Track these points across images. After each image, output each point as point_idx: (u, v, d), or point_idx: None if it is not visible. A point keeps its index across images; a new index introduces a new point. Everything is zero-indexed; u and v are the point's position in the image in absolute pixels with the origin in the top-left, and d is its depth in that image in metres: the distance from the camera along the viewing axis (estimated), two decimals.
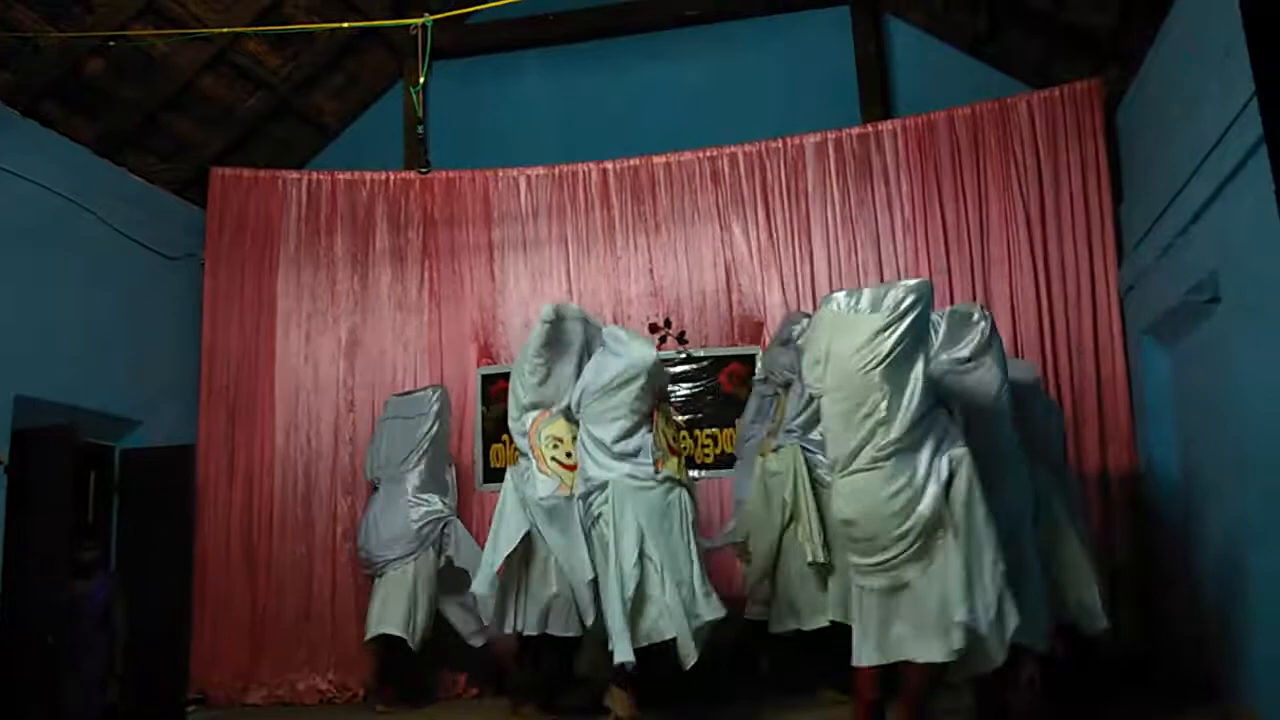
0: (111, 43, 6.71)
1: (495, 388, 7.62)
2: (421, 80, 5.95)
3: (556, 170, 8.02)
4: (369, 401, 7.78)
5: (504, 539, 5.73)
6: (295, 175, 8.19)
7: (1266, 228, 4.28)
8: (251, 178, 8.09)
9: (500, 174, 8.08)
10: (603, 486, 5.49)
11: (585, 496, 5.59)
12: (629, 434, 5.56)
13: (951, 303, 7.07)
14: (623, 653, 5.14)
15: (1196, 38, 5.35)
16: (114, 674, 6.32)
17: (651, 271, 7.79)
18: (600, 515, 5.49)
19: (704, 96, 8.25)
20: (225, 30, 7.01)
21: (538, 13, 8.06)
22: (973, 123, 7.33)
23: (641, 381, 5.54)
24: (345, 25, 6.90)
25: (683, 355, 7.50)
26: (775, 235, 7.60)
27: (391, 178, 8.15)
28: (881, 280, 7.31)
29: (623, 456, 5.53)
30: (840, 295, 4.42)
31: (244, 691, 7.30)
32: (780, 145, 7.67)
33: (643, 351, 5.63)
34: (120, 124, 7.52)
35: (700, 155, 7.82)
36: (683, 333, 7.57)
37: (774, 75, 8.19)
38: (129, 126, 7.60)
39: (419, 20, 5.97)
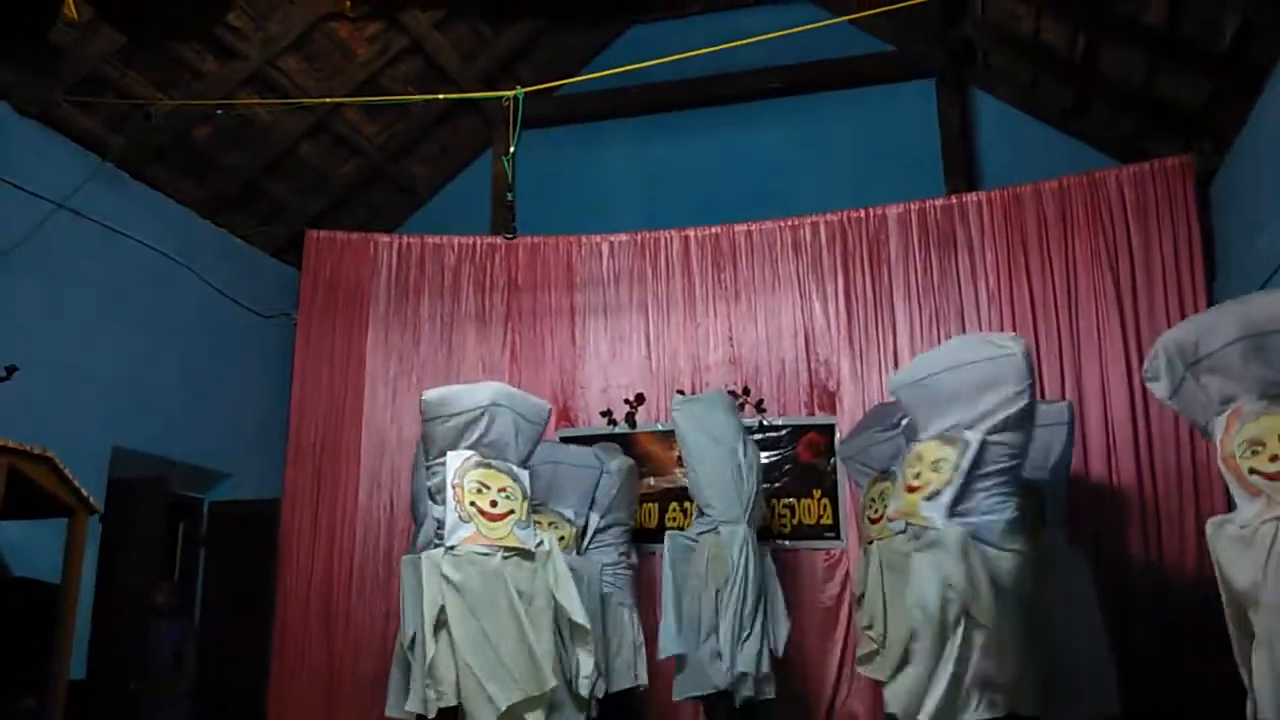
0: (219, 110, 7.03)
1: None
2: (512, 149, 6.10)
3: (639, 237, 8.12)
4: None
5: None
6: (386, 239, 8.40)
7: None
8: (345, 240, 8.32)
9: (583, 240, 8.21)
10: None
11: None
12: None
13: (1040, 374, 6.92)
14: None
15: None
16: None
17: (730, 339, 7.80)
18: None
19: (786, 166, 8.34)
20: (326, 100, 7.30)
21: (623, 85, 8.21)
22: (1060, 196, 7.25)
23: None
24: (440, 96, 7.09)
25: (759, 424, 7.47)
26: (855, 305, 7.57)
27: (478, 242, 8.32)
28: None
29: None
30: None
31: None
32: (862, 215, 7.67)
33: None
34: (223, 188, 7.84)
35: (781, 224, 7.85)
36: (761, 401, 7.55)
37: (856, 146, 8.24)
38: (232, 190, 7.91)
39: (511, 92, 6.14)
